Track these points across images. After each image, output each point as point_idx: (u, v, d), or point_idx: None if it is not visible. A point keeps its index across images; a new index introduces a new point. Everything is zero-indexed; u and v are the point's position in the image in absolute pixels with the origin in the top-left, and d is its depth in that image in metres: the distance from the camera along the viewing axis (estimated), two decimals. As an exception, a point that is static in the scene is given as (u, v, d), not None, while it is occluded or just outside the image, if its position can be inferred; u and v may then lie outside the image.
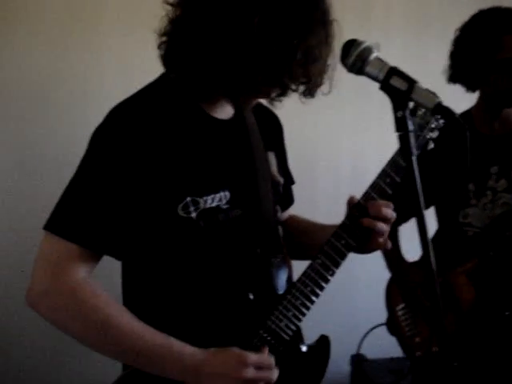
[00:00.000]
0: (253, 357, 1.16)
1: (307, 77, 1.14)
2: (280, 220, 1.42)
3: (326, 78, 1.17)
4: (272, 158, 1.37)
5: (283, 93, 1.16)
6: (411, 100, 0.96)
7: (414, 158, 0.98)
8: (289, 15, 1.08)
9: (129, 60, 2.18)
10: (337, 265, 1.27)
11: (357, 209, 1.26)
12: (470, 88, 1.91)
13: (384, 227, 1.26)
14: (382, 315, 2.04)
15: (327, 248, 1.26)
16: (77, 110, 2.23)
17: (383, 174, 1.28)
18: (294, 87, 1.15)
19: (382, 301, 2.04)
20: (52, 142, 2.23)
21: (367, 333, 2.23)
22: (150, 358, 1.15)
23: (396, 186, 1.27)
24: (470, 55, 1.84)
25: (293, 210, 1.54)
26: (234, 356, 1.15)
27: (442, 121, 1.32)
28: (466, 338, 1.84)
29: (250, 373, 1.15)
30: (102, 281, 1.18)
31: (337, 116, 2.57)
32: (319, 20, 1.12)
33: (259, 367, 1.17)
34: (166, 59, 1.20)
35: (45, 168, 2.23)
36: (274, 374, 1.19)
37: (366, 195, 1.28)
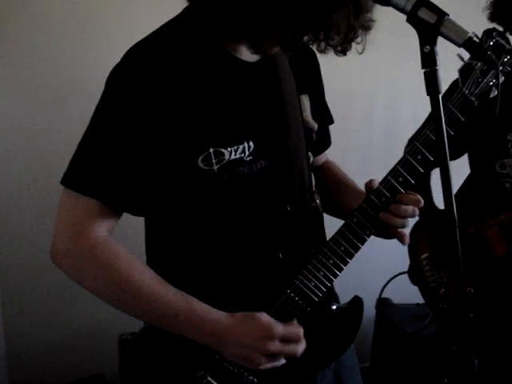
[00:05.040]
0: (279, 329, 1.09)
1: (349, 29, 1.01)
2: (314, 165, 1.33)
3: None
4: (306, 101, 1.26)
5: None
6: (440, 34, 0.90)
7: (440, 97, 0.92)
8: None
9: None
10: (375, 225, 1.17)
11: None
12: (510, 29, 1.75)
13: (399, 223, 1.17)
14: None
15: (366, 205, 1.17)
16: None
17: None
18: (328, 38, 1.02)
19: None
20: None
21: (391, 279, 2.22)
22: (171, 322, 1.10)
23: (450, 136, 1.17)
24: None
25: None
26: (260, 327, 1.09)
27: (508, 66, 1.20)
28: (490, 295, 1.78)
29: (275, 346, 1.09)
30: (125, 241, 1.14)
31: (373, 58, 2.50)
32: None
33: (285, 340, 1.11)
34: None
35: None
36: (301, 347, 1.13)
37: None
